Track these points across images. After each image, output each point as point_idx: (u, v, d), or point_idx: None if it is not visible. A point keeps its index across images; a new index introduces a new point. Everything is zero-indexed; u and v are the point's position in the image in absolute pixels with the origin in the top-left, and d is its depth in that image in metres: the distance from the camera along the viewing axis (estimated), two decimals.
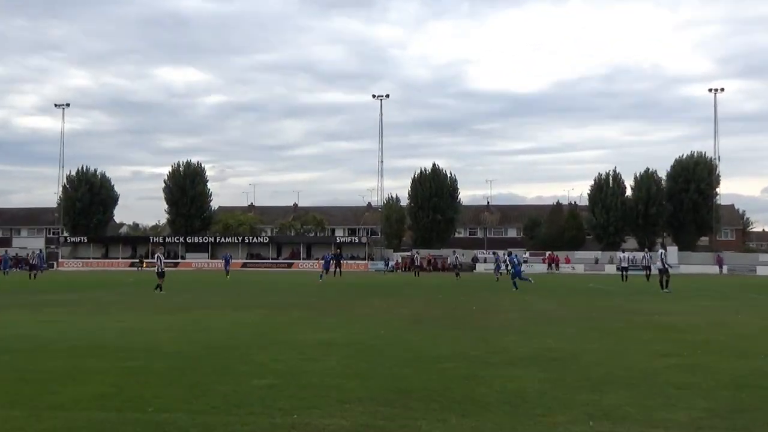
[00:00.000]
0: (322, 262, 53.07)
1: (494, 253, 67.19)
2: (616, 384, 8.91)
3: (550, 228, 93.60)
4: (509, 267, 35.72)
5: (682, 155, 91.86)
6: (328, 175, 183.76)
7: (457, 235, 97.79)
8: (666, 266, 32.95)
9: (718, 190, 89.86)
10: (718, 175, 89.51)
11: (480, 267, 79.00)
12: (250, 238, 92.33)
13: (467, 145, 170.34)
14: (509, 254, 39.78)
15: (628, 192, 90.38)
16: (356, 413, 7.36)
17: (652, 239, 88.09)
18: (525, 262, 63.56)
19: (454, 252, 68.65)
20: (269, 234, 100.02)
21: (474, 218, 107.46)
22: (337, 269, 55.38)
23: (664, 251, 33.74)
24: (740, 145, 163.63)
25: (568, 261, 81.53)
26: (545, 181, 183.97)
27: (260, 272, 71.94)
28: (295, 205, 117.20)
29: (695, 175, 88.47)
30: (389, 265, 79.36)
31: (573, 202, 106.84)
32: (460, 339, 13.59)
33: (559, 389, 8.65)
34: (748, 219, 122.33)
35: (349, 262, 78.59)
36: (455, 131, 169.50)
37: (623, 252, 54.37)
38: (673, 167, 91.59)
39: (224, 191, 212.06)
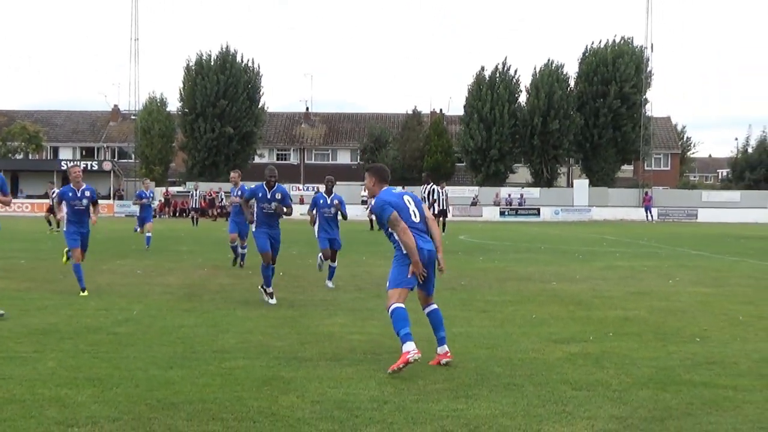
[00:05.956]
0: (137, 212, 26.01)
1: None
2: (491, 385, 6.78)
3: (404, 148, 66.79)
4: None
5: (599, 42, 64.90)
6: (45, 59, 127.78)
7: (259, 159, 68.28)
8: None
9: (648, 95, 64.98)
10: (651, 73, 64.53)
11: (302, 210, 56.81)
12: None
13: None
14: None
15: (523, 98, 64.07)
16: None
17: (554, 168, 64.96)
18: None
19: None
20: None
21: (286, 134, 77.48)
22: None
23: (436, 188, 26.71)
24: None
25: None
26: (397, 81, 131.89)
27: None
28: None
29: (617, 72, 62.39)
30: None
31: (438, 110, 75.44)
32: (256, 322, 9.80)
33: (407, 395, 6.38)
34: (689, 139, 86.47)
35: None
36: None
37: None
38: (584, 59, 64.26)
39: None
